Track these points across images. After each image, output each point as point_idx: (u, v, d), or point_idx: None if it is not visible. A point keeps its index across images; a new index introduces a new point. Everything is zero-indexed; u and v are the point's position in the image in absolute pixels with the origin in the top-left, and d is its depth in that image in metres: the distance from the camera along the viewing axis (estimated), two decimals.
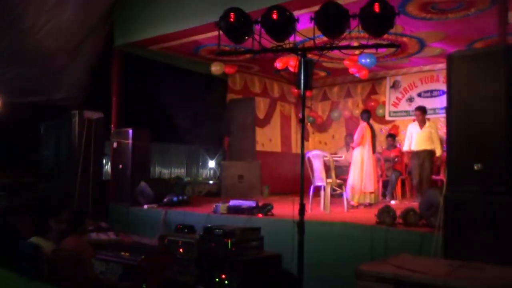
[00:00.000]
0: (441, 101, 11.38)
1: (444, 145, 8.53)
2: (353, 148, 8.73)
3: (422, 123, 9.02)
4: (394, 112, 12.59)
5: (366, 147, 8.55)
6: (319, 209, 8.11)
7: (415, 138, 9.02)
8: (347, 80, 13.28)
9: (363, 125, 8.65)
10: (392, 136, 11.23)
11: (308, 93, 13.52)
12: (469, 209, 4.47)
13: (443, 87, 10.96)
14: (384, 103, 12.76)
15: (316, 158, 8.06)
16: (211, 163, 15.61)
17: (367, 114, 8.84)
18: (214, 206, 7.72)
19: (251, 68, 12.34)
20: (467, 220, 4.46)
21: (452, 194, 4.63)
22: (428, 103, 11.79)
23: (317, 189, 8.32)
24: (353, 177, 8.45)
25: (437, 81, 11.83)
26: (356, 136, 8.58)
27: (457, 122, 4.68)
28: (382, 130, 12.57)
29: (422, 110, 9.10)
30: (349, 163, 8.77)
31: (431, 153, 8.80)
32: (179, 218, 7.81)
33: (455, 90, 4.73)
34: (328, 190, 7.93)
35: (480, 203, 4.41)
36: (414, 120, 9.44)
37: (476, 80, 4.59)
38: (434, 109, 11.71)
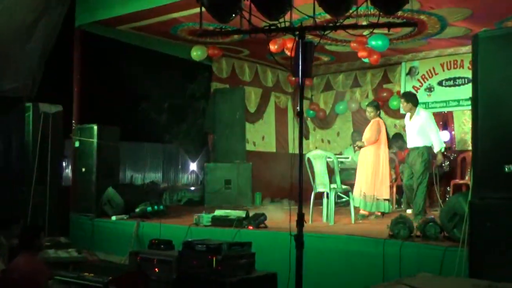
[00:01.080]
0: (466, 91, 11.42)
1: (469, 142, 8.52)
2: (358, 148, 8.69)
3: (411, 113, 8.36)
4: None
5: (382, 147, 8.56)
6: (321, 220, 8.10)
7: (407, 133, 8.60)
8: (354, 67, 13.29)
9: (379, 120, 8.65)
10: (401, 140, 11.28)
11: (308, 82, 13.55)
12: (499, 219, 4.49)
13: (469, 75, 11.00)
14: (398, 93, 12.78)
15: (318, 159, 8.06)
16: (193, 166, 15.61)
17: (376, 108, 8.80)
18: (196, 216, 7.71)
19: (240, 52, 12.32)
20: (497, 232, 4.47)
21: (479, 201, 4.64)
22: (451, 94, 11.83)
23: (319, 196, 8.31)
24: (364, 181, 8.45)
25: (461, 67, 11.87)
26: (372, 133, 8.51)
27: (485, 116, 4.70)
28: (396, 126, 12.62)
29: (406, 97, 8.46)
30: (360, 164, 8.72)
31: (423, 151, 8.05)
32: (154, 232, 7.78)
33: (483, 78, 4.75)
34: (332, 197, 7.93)
35: None
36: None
37: (507, 66, 4.60)
38: (457, 101, 11.77)
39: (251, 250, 5.28)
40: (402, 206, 10.09)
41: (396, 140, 10.85)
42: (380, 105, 9.25)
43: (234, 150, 11.70)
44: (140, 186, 13.60)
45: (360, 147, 8.67)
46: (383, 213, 8.52)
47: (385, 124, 8.76)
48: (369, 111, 8.78)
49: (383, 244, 5.81)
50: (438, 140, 8.12)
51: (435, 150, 8.08)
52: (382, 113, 10.29)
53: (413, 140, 8.23)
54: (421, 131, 8.12)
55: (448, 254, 5.24)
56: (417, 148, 8.11)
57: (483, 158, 4.70)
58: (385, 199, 8.48)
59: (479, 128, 4.74)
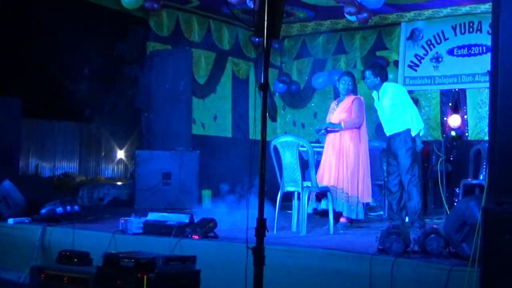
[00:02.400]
0: (484, 63, 11.55)
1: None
2: (326, 133, 8.60)
3: (378, 92, 8.56)
4: (412, 78, 12.77)
5: (364, 134, 8.56)
6: (290, 229, 8.15)
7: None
8: (338, 27, 13.36)
9: (361, 98, 8.67)
10: None
11: (276, 45, 13.55)
12: None
13: (488, 41, 11.15)
14: (396, 63, 12.90)
15: (287, 148, 8.07)
16: (120, 154, 15.46)
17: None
18: (122, 221, 7.66)
19: (187, 3, 12.25)
20: None
21: (497, 207, 4.68)
22: (464, 66, 11.98)
23: (288, 197, 8.34)
24: (345, 179, 8.47)
25: (478, 31, 12.01)
26: (356, 113, 8.46)
27: (508, 96, 4.74)
28: None
29: (375, 70, 8.56)
30: (337, 155, 8.66)
31: (405, 137, 8.29)
32: (66, 240, 7.71)
33: (506, 46, 4.78)
34: (305, 199, 7.97)
35: None
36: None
37: None
38: (472, 75, 11.93)
39: (195, 267, 5.27)
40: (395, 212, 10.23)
41: None
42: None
43: (176, 133, 11.67)
44: (49, 179, 13.42)
45: (329, 132, 8.61)
46: (352, 220, 8.54)
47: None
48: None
49: (370, 261, 5.84)
50: (414, 120, 8.30)
51: (412, 133, 8.27)
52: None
53: (389, 125, 8.46)
54: (395, 112, 8.33)
55: (454, 276, 5.29)
56: (398, 134, 8.32)
57: (503, 152, 4.73)
58: (365, 203, 8.57)
59: (498, 113, 4.77)
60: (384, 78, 8.51)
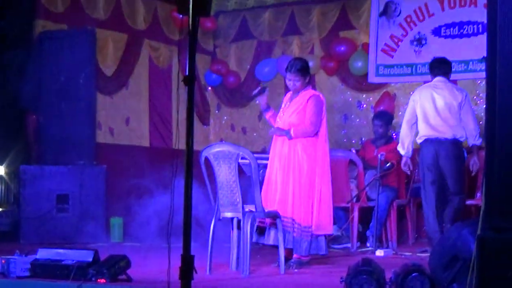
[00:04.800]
0: (480, 47, 11.67)
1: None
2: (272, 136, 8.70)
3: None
4: (388, 66, 12.91)
5: (322, 142, 8.63)
6: (228, 268, 8.17)
7: (428, 114, 9.50)
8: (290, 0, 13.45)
9: (320, 95, 8.73)
10: (382, 118, 11.52)
11: (207, 23, 13.57)
12: None
13: (485, 17, 11.30)
14: (365, 47, 13.02)
15: (224, 160, 8.08)
16: None
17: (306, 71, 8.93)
18: (3, 261, 7.58)
19: None
20: None
21: (495, 235, 4.75)
22: (454, 50, 12.09)
23: (225, 226, 8.34)
24: (290, 200, 8.49)
25: (472, 5, 12.15)
26: (313, 118, 8.55)
27: (507, 90, 4.80)
28: (362, 104, 12.86)
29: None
30: (284, 171, 8.70)
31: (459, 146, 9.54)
32: None
33: (506, 24, 4.85)
34: (248, 227, 7.98)
35: None
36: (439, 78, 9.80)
37: None
38: (465, 62, 12.06)
39: None
40: (368, 244, 10.30)
41: (385, 121, 11.21)
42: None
43: (75, 142, 11.57)
44: None
45: (274, 133, 8.68)
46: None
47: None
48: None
49: None
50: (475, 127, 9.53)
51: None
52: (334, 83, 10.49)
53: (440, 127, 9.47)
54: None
55: None
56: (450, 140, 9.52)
57: (504, 163, 4.81)
58: (326, 234, 8.63)
59: (497, 112, 4.85)
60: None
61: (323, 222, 8.47)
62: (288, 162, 8.50)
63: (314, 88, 8.85)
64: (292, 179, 8.45)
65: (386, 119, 11.38)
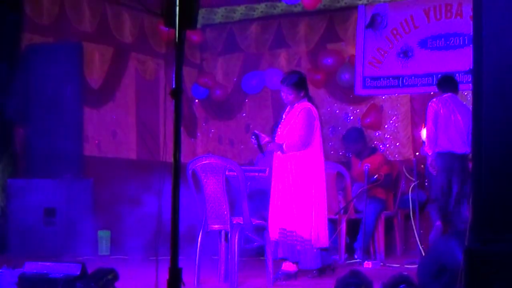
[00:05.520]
0: (467, 58, 11.70)
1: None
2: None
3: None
4: (374, 78, 12.92)
5: (315, 154, 8.66)
6: (216, 281, 8.15)
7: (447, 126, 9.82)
8: (276, 11, 13.44)
9: (310, 106, 8.73)
10: (346, 140, 11.56)
11: (194, 37, 13.58)
12: None
13: (469, 29, 11.32)
14: (352, 59, 13.02)
15: (211, 173, 8.09)
16: None
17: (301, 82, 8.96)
18: None
19: None
20: None
21: (483, 247, 4.76)
22: (440, 62, 12.11)
23: (213, 238, 8.33)
24: (287, 216, 8.52)
25: (458, 17, 12.18)
26: (302, 131, 8.57)
27: (494, 102, 4.81)
28: (349, 116, 12.86)
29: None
30: (283, 185, 8.75)
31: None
32: None
33: (492, 37, 4.87)
34: (235, 240, 7.98)
35: None
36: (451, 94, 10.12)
37: None
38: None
39: None
40: (356, 256, 10.30)
41: (352, 140, 11.13)
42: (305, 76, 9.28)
43: (61, 155, 11.52)
44: None
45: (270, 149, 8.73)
46: (323, 268, 8.64)
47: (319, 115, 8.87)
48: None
49: None
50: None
51: None
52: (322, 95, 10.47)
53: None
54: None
55: None
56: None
57: (490, 175, 4.82)
58: (322, 249, 8.64)
59: (483, 123, 4.86)
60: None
61: (321, 236, 8.53)
62: (284, 177, 8.60)
63: (311, 100, 8.76)
64: (289, 193, 8.53)
65: (352, 138, 11.46)
